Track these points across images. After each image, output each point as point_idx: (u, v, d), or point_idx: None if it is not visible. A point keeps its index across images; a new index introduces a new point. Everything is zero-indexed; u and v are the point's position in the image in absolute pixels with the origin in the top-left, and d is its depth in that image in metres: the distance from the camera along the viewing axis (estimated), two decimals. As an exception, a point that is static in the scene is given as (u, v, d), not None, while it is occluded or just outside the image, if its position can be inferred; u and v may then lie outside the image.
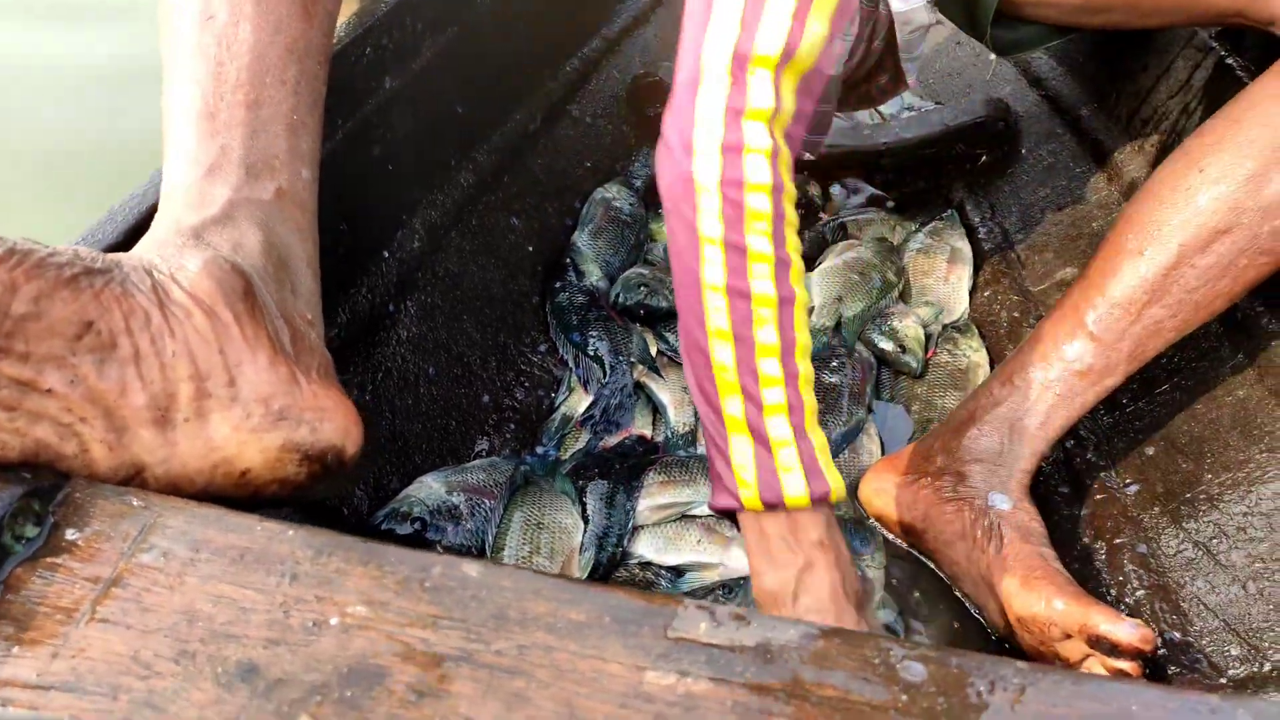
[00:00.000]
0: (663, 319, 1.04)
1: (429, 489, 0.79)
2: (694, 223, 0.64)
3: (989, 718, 0.39)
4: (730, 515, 0.69)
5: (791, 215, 0.66)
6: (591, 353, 0.99)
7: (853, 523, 0.91)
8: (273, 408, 0.47)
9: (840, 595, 0.66)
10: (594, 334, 1.00)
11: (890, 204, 1.29)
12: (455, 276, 0.95)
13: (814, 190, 1.32)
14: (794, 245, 0.67)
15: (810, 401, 0.66)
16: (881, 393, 1.06)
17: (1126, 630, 0.68)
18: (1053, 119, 1.25)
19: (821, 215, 1.29)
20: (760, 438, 0.64)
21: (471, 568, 0.43)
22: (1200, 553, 0.81)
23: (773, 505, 0.65)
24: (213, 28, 0.59)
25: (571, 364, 1.00)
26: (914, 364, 1.05)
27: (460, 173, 0.98)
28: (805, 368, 0.66)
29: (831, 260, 1.14)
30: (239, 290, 0.47)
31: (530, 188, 1.10)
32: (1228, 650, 0.75)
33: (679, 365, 1.02)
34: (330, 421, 0.49)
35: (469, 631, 0.40)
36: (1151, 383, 0.94)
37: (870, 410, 1.02)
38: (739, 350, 0.64)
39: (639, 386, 0.99)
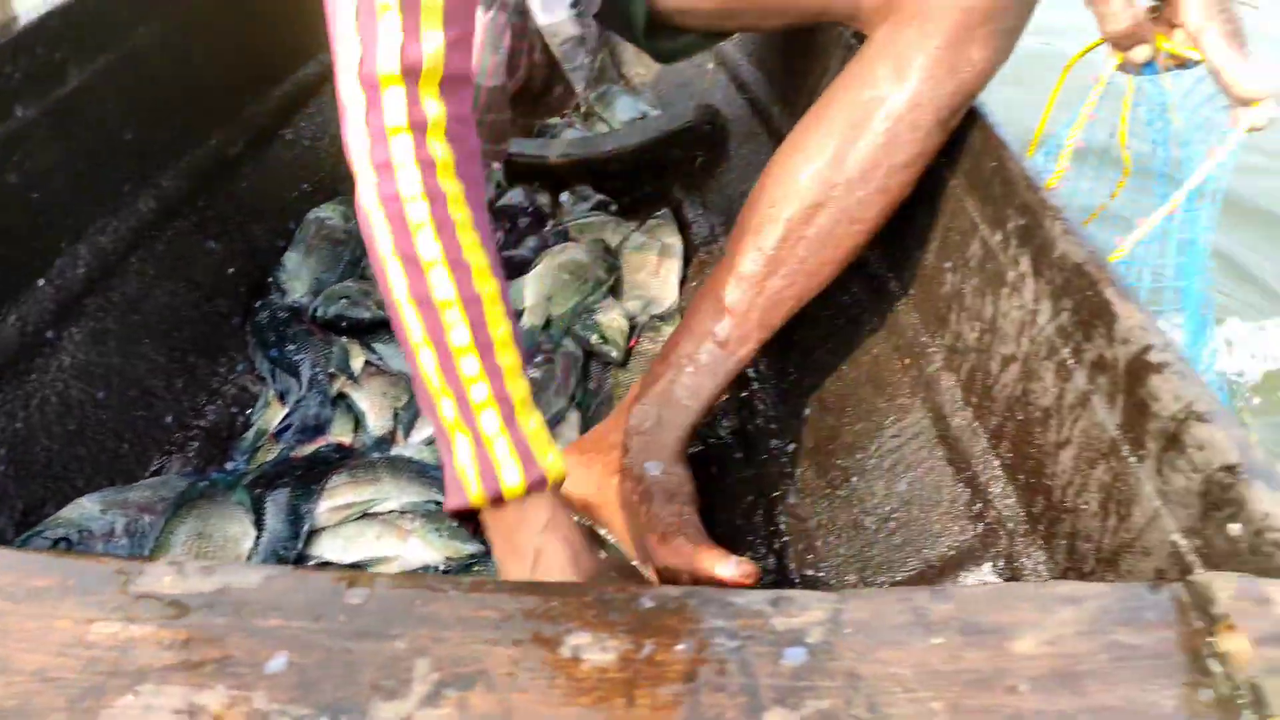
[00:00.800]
0: (368, 330, 1.07)
1: (82, 509, 0.79)
2: (373, 241, 0.65)
3: (413, 623, 0.43)
4: (473, 516, 0.69)
5: (463, 217, 0.66)
6: (289, 367, 1.01)
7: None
8: None
9: (571, 573, 0.68)
10: (292, 348, 1.02)
11: (614, 207, 1.36)
12: (136, 301, 0.96)
13: (543, 199, 1.38)
14: (471, 245, 0.66)
15: (519, 390, 0.67)
16: (589, 382, 1.12)
17: (730, 569, 0.75)
18: (753, 119, 1.35)
19: (550, 222, 1.35)
20: (475, 435, 0.65)
21: (-56, 550, 0.45)
22: (834, 496, 0.90)
23: (496, 499, 0.66)
24: None
25: (269, 379, 1.01)
26: (615, 353, 1.12)
27: (139, 199, 0.99)
28: (509, 359, 0.67)
29: (546, 263, 1.20)
30: None
31: (233, 211, 1.11)
32: (847, 578, 0.83)
33: (383, 374, 1.05)
34: None
35: (-83, 607, 0.42)
36: (810, 351, 1.03)
37: (574, 400, 1.08)
38: (439, 355, 0.65)
39: (340, 396, 1.01)
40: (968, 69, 0.81)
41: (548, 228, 1.32)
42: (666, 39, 1.06)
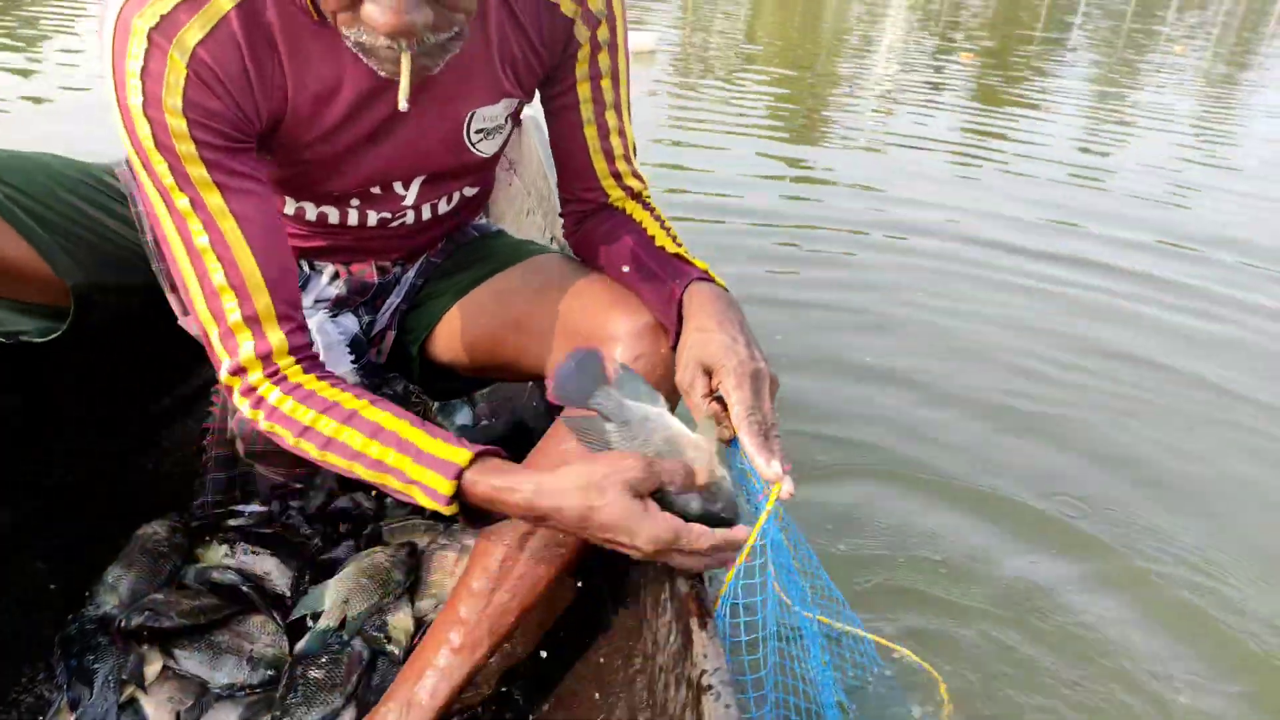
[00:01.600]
0: (172, 638, 1.20)
1: None
2: (283, 443, 0.98)
3: None
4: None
5: (318, 387, 0.98)
6: (84, 675, 1.13)
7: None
8: None
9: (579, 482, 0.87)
10: (91, 658, 1.15)
11: (428, 511, 1.55)
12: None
13: (369, 504, 1.56)
14: (338, 395, 0.98)
15: (416, 437, 0.94)
16: (374, 678, 1.25)
17: None
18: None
19: (371, 525, 1.52)
20: (405, 479, 0.94)
21: None
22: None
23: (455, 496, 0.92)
24: None
25: (65, 688, 1.13)
26: (397, 652, 1.26)
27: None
28: (400, 423, 0.95)
29: (350, 567, 1.36)
30: None
31: (71, 534, 1.27)
32: None
33: (176, 678, 1.17)
34: None
35: None
36: (558, 646, 1.18)
37: (353, 696, 1.20)
38: (361, 463, 0.95)
39: (130, 702, 1.13)
40: (635, 427, 1.04)
41: (367, 530, 1.50)
42: (439, 382, 1.31)
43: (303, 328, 1.01)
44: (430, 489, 0.91)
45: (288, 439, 0.97)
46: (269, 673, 1.21)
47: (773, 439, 0.88)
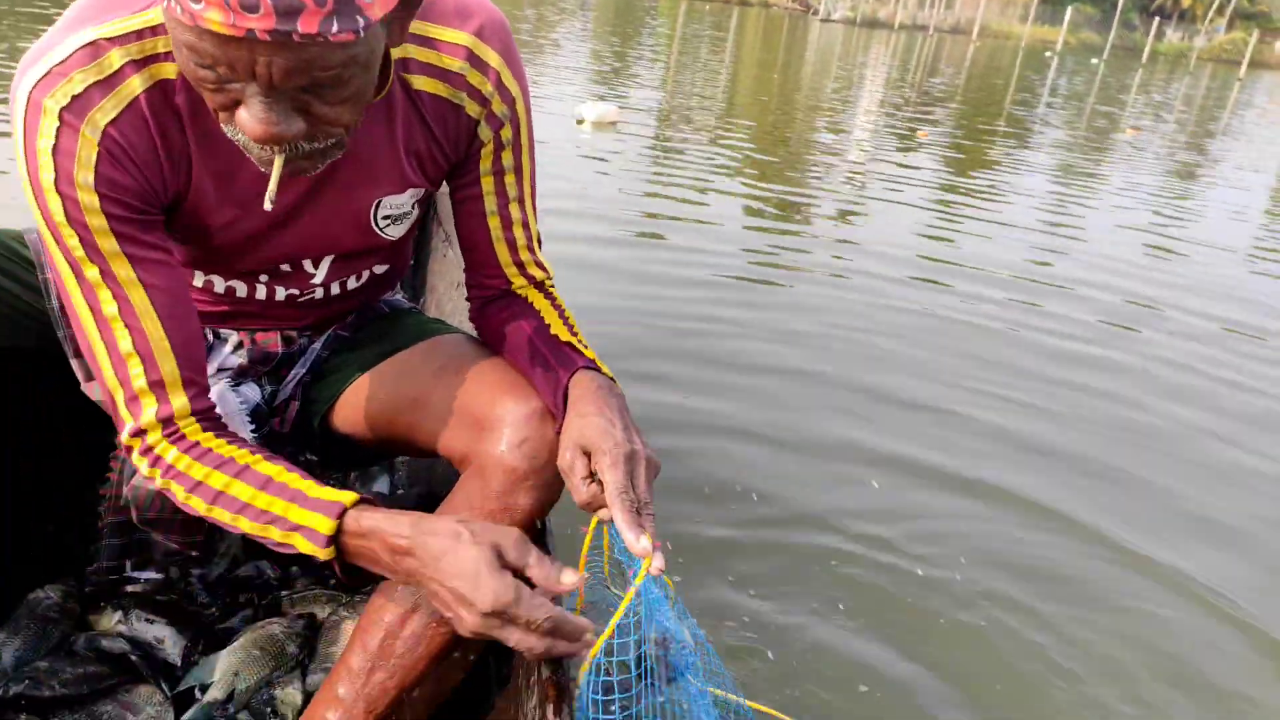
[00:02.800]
0: (52, 707, 1.19)
1: None
2: (186, 508, 1.00)
3: None
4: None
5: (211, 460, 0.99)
6: (-46, 747, 1.11)
7: None
8: None
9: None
10: (-37, 730, 1.13)
11: (333, 581, 1.55)
12: None
13: (273, 572, 1.55)
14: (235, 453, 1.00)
15: (302, 485, 0.97)
16: (260, 754, 1.24)
17: None
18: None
19: (271, 594, 1.51)
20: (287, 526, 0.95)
21: None
22: None
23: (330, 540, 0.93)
24: None
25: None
26: (282, 726, 1.25)
27: None
28: (289, 477, 0.97)
29: (244, 638, 1.35)
30: None
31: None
32: None
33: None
34: None
35: None
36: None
37: (234, 772, 1.19)
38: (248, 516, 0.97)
39: (0, 775, 1.11)
40: (519, 511, 1.06)
41: (266, 600, 1.49)
42: (340, 454, 1.32)
43: (206, 391, 1.04)
44: (310, 531, 0.93)
45: (179, 495, 0.99)
46: (149, 746, 1.19)
47: (645, 517, 0.91)
